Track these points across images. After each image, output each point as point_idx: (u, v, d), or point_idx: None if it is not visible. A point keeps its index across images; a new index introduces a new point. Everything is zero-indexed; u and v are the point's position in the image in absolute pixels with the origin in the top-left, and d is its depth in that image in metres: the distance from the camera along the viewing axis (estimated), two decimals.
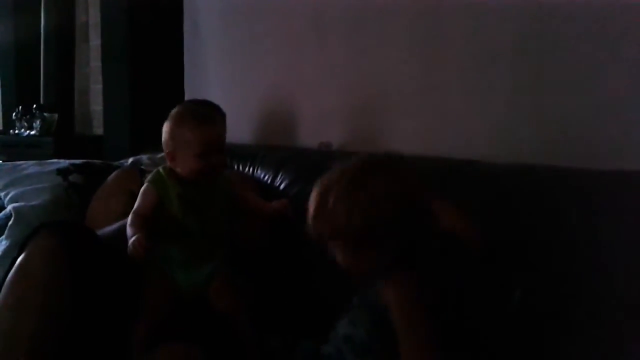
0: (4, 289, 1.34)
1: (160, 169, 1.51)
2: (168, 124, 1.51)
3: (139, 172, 1.97)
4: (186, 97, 2.94)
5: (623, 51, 1.44)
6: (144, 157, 2.38)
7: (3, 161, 2.88)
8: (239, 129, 2.08)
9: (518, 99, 1.66)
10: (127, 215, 1.55)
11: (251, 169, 2.18)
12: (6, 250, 1.84)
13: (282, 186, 2.01)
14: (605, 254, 1.19)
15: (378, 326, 1.15)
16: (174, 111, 1.53)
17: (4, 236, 1.91)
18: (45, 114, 3.69)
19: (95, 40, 3.66)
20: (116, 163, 2.36)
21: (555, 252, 1.27)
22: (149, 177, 1.52)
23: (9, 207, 1.97)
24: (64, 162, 2.18)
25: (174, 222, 1.47)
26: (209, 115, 1.51)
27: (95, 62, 3.70)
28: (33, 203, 1.96)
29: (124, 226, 1.41)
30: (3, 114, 4.20)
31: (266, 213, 1.63)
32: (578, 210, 1.27)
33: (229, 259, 1.57)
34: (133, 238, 1.33)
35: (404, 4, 1.97)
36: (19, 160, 2.30)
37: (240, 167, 2.22)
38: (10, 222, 1.92)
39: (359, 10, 2.13)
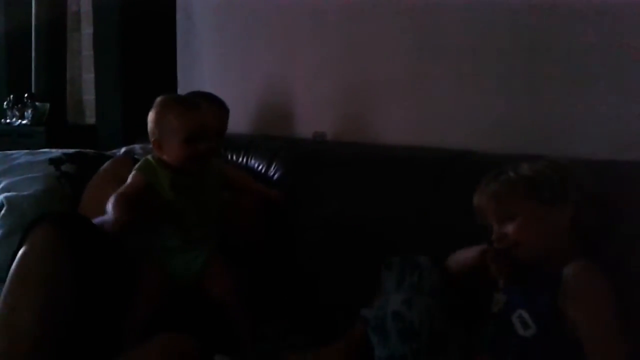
0: (6, 283, 1.33)
1: (150, 157, 1.51)
2: (153, 112, 1.50)
3: (132, 161, 1.96)
4: (179, 85, 2.94)
5: (619, 42, 1.44)
6: (137, 147, 2.37)
7: None
8: (232, 119, 2.07)
9: (512, 88, 1.66)
10: None
11: (245, 159, 2.18)
12: None
13: (275, 176, 2.01)
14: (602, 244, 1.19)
15: (437, 316, 1.19)
16: (158, 99, 1.52)
17: None
18: (37, 103, 3.66)
19: (87, 29, 3.64)
20: (109, 153, 2.35)
21: None
22: (136, 165, 1.51)
23: (1, 197, 1.95)
24: (56, 152, 2.17)
25: (167, 208, 1.47)
26: (193, 101, 1.53)
27: (87, 51, 3.67)
28: (25, 193, 1.95)
29: None
30: None
31: (257, 190, 1.66)
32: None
33: (224, 250, 1.57)
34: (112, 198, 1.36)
35: None
36: (11, 150, 2.28)
37: (234, 157, 2.22)
38: (2, 212, 1.91)
39: (353, 2, 2.13)
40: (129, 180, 1.48)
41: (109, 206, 1.37)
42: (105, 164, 1.96)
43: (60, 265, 1.33)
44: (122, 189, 1.45)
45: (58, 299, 1.31)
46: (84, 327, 1.34)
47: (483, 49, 1.73)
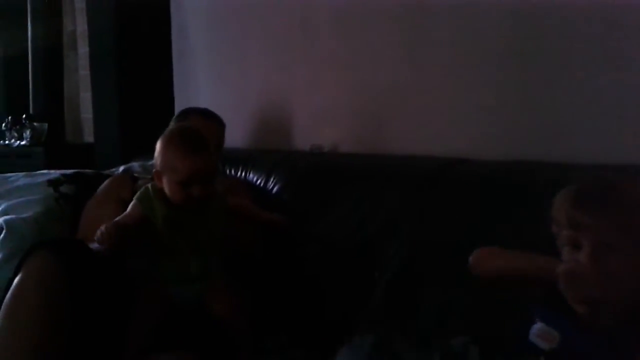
0: (1, 312, 1.33)
1: (150, 187, 1.50)
2: (160, 143, 1.48)
3: (131, 179, 1.97)
4: (176, 103, 2.94)
5: (612, 47, 1.44)
6: (136, 165, 2.37)
7: None
8: (230, 133, 2.07)
9: (507, 96, 1.66)
10: None
11: (243, 173, 2.18)
12: None
13: (274, 189, 2.02)
14: None
15: None
16: (168, 129, 1.51)
17: None
18: (35, 124, 3.67)
19: (83, 48, 3.64)
20: (107, 172, 2.35)
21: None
22: (137, 193, 1.51)
23: (0, 220, 1.95)
24: (54, 173, 2.17)
25: (161, 241, 1.46)
26: (198, 143, 1.46)
27: (84, 70, 3.68)
28: (24, 215, 1.95)
29: None
30: None
31: (261, 219, 1.61)
32: None
33: (224, 263, 1.57)
34: (103, 226, 1.36)
35: (392, 4, 1.97)
36: (10, 171, 2.28)
37: (233, 171, 2.22)
38: (2, 235, 1.91)
39: (348, 13, 2.13)
40: (128, 210, 1.48)
41: (98, 232, 1.38)
42: (104, 184, 1.96)
43: (57, 293, 1.33)
44: (120, 218, 1.45)
45: (55, 327, 1.31)
46: (82, 351, 1.34)
47: (477, 56, 1.73)
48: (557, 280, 0.99)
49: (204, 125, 1.91)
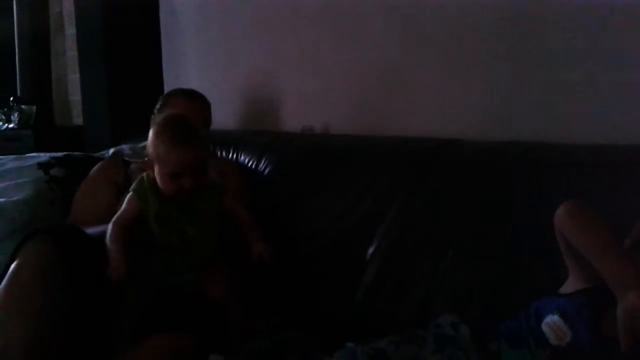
0: None
1: (145, 177, 1.47)
2: (152, 131, 1.44)
3: (122, 163, 1.96)
4: (165, 84, 2.92)
5: (604, 26, 1.44)
6: (126, 148, 2.36)
7: None
8: (220, 115, 2.07)
9: (500, 77, 1.66)
10: (114, 207, 1.53)
11: (234, 155, 2.18)
12: None
13: (266, 171, 2.01)
14: None
15: None
16: (160, 117, 1.47)
17: None
18: (23, 107, 3.63)
19: (70, 30, 3.60)
20: (97, 154, 2.34)
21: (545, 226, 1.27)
22: (134, 184, 1.48)
23: None
24: (44, 156, 2.16)
25: (153, 235, 1.44)
26: (188, 134, 1.42)
27: (71, 52, 3.64)
28: (15, 198, 1.94)
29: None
30: None
31: (248, 242, 1.48)
32: (560, 184, 1.29)
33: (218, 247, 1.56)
34: (112, 262, 1.32)
35: None
36: None
37: (224, 153, 2.21)
38: None
39: None
40: (125, 204, 1.45)
41: (109, 245, 1.35)
42: (95, 168, 1.95)
43: (51, 280, 1.32)
44: (119, 217, 1.43)
45: (50, 314, 1.30)
46: (78, 335, 1.34)
47: (469, 37, 1.73)
48: (624, 302, 0.92)
49: (186, 105, 1.90)
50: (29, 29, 3.79)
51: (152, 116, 1.92)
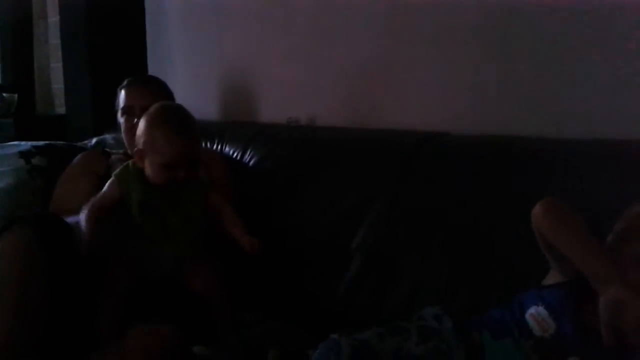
0: None
1: (130, 165, 1.45)
2: (144, 120, 1.42)
3: (103, 154, 1.94)
4: (149, 72, 2.88)
5: (590, 23, 1.44)
6: (108, 137, 2.34)
7: None
8: (205, 106, 2.05)
9: (487, 70, 1.66)
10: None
11: (219, 146, 2.16)
12: None
13: (251, 162, 2.00)
14: None
15: None
16: (154, 107, 1.44)
17: None
18: (4, 95, 3.59)
19: (53, 17, 3.56)
20: (80, 144, 2.32)
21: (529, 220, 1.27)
22: (117, 170, 1.47)
23: None
24: (25, 145, 2.13)
25: (134, 224, 1.43)
26: (186, 124, 1.42)
27: (54, 40, 3.59)
28: None
29: None
30: None
31: (233, 234, 1.48)
32: (546, 178, 1.29)
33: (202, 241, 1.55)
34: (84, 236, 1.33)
35: None
36: None
37: (209, 144, 2.20)
38: None
39: None
40: (106, 188, 1.44)
41: (82, 218, 1.35)
42: (77, 158, 1.94)
43: (32, 267, 1.31)
44: (96, 198, 1.42)
45: (32, 300, 1.29)
46: (59, 325, 1.32)
47: (456, 30, 1.72)
48: (605, 296, 0.94)
49: (137, 92, 1.87)
50: (11, 16, 3.74)
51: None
